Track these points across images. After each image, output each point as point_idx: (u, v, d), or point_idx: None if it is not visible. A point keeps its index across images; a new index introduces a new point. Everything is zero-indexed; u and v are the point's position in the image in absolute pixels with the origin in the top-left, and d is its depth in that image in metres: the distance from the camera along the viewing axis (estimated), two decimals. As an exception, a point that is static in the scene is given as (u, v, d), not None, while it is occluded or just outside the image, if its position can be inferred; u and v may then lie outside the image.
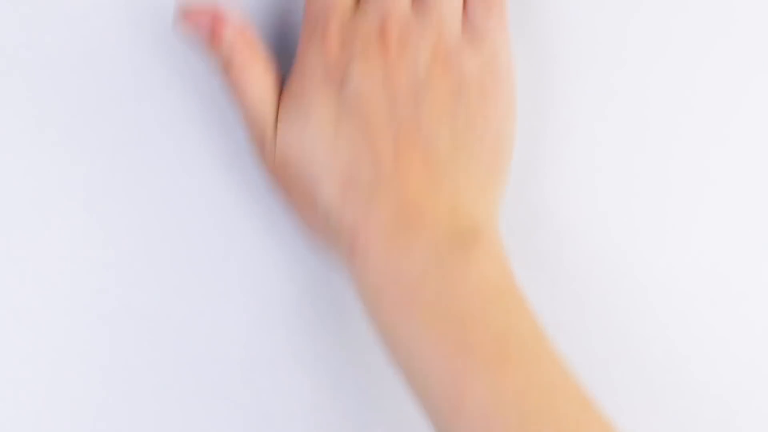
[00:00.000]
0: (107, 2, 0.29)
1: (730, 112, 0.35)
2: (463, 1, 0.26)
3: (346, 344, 0.32)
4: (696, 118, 0.35)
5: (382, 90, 0.25)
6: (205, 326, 0.31)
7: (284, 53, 0.29)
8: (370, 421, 0.32)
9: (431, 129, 0.25)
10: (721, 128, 0.35)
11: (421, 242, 0.23)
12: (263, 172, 0.27)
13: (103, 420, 0.32)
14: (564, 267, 0.34)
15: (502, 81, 0.26)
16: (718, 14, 0.35)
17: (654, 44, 0.34)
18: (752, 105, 0.35)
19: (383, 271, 0.23)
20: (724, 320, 0.35)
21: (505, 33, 0.26)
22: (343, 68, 0.25)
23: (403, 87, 0.25)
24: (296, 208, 0.26)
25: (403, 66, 0.25)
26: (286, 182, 0.26)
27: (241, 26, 0.25)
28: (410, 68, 0.25)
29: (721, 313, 0.35)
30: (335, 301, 0.31)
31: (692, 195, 0.35)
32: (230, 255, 0.31)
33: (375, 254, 0.24)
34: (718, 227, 0.35)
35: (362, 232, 0.24)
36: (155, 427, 0.32)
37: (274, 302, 0.31)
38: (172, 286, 0.31)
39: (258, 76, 0.26)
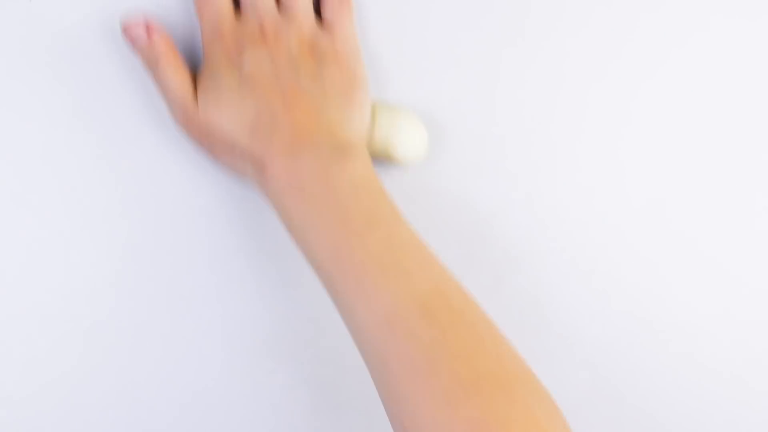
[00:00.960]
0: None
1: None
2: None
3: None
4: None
5: (270, 66, 0.35)
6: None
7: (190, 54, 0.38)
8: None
9: (307, 85, 0.35)
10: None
11: (310, 155, 0.33)
12: (189, 139, 0.37)
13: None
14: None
15: (349, 50, 0.37)
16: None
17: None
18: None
19: (285, 180, 0.33)
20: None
21: (350, 19, 0.37)
22: (240, 56, 0.35)
23: (284, 62, 0.35)
24: (219, 156, 0.36)
25: (281, 49, 0.35)
26: (209, 139, 0.36)
27: (165, 34, 0.36)
28: (286, 50, 0.35)
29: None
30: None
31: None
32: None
33: (278, 170, 0.33)
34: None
35: (268, 157, 0.34)
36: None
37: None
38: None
39: (178, 69, 0.36)
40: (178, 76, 0.36)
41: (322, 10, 0.37)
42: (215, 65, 0.35)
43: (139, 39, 0.35)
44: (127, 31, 0.35)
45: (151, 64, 0.36)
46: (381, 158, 0.38)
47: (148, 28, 0.35)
